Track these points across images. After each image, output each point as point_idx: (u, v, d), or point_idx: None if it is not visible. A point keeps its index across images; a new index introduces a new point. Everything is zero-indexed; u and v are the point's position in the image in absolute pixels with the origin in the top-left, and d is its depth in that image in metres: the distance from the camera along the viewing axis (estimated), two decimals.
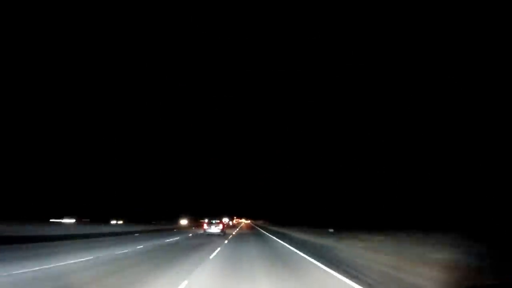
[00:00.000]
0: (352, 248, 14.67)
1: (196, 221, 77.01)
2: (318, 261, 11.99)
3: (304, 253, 14.84)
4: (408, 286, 7.31)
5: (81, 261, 11.25)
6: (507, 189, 25.71)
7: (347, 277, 8.74)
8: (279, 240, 24.33)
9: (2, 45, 35.60)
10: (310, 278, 8.86)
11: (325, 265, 10.97)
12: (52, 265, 10.08)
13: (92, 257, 12.29)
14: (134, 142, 63.31)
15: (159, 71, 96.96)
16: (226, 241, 22.73)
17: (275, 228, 49.91)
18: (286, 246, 18.98)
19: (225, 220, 58.03)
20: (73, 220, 43.88)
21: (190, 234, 32.89)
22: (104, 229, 32.76)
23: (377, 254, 11.91)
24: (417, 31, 42.40)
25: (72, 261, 10.95)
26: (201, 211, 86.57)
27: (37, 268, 9.51)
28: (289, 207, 78.34)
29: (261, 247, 18.42)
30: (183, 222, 66.21)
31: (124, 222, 52.41)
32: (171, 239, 24.32)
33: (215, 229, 31.49)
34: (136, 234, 30.22)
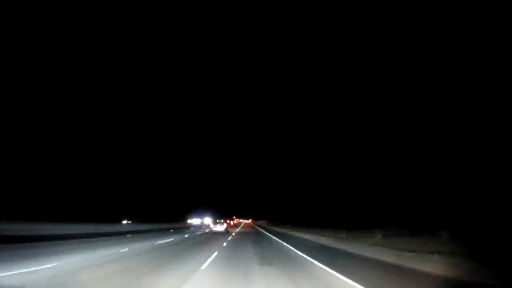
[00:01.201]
0: None
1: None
2: None
3: None
4: None
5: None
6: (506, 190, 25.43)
7: None
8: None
9: (2, 45, 35.60)
10: None
11: None
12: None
13: None
14: (131, 142, 63.05)
15: (159, 71, 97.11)
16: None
17: (295, 234, 34.51)
18: None
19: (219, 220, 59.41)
20: None
21: None
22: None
23: None
24: (417, 31, 42.43)
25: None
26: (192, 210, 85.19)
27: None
28: (292, 206, 78.10)
29: None
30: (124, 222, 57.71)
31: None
32: None
33: (220, 228, 36.10)
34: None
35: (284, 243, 22.52)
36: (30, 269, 9.91)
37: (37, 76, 43.53)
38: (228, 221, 55.01)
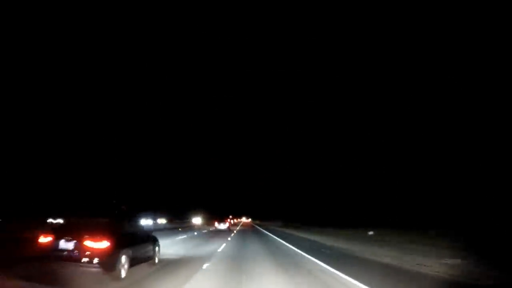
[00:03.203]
0: None
1: None
2: None
3: None
4: None
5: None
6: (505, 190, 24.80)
7: None
8: None
9: (2, 45, 36.11)
10: None
11: None
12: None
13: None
14: (130, 141, 63.28)
15: (159, 71, 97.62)
16: None
17: None
18: None
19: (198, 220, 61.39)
20: None
21: None
22: None
23: None
24: (417, 31, 42.15)
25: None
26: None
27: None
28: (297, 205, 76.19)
29: None
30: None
31: None
32: None
33: (223, 226, 43.05)
34: None
35: None
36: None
37: (39, 77, 43.67)
38: (229, 221, 58.51)
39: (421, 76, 40.42)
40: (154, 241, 10.80)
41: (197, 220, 60.09)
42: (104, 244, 7.42)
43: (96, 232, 7.63)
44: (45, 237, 7.76)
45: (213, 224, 45.58)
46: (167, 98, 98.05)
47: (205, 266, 10.50)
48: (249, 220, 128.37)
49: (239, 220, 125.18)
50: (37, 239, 7.95)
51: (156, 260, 10.71)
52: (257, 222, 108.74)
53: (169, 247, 15.49)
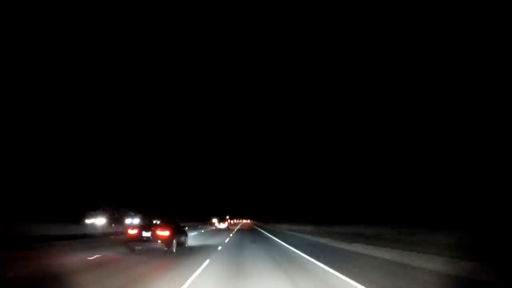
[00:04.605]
0: None
1: None
2: None
3: None
4: None
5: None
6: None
7: None
8: None
9: (2, 45, 36.24)
10: None
11: None
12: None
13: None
14: (127, 142, 64.87)
15: (159, 71, 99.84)
16: None
17: None
18: None
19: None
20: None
21: None
22: None
23: None
24: (417, 31, 42.82)
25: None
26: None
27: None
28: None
29: None
30: None
31: None
32: None
33: (223, 225, 48.40)
34: None
35: None
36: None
37: (39, 77, 45.35)
38: (229, 221, 65.11)
39: (422, 76, 40.27)
40: (186, 234, 17.37)
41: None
42: (167, 233, 13.96)
43: (162, 226, 14.21)
44: (132, 230, 14.34)
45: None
46: (167, 98, 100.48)
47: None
48: (249, 221, 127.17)
49: (239, 221, 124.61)
50: (127, 232, 14.56)
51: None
52: (257, 223, 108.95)
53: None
